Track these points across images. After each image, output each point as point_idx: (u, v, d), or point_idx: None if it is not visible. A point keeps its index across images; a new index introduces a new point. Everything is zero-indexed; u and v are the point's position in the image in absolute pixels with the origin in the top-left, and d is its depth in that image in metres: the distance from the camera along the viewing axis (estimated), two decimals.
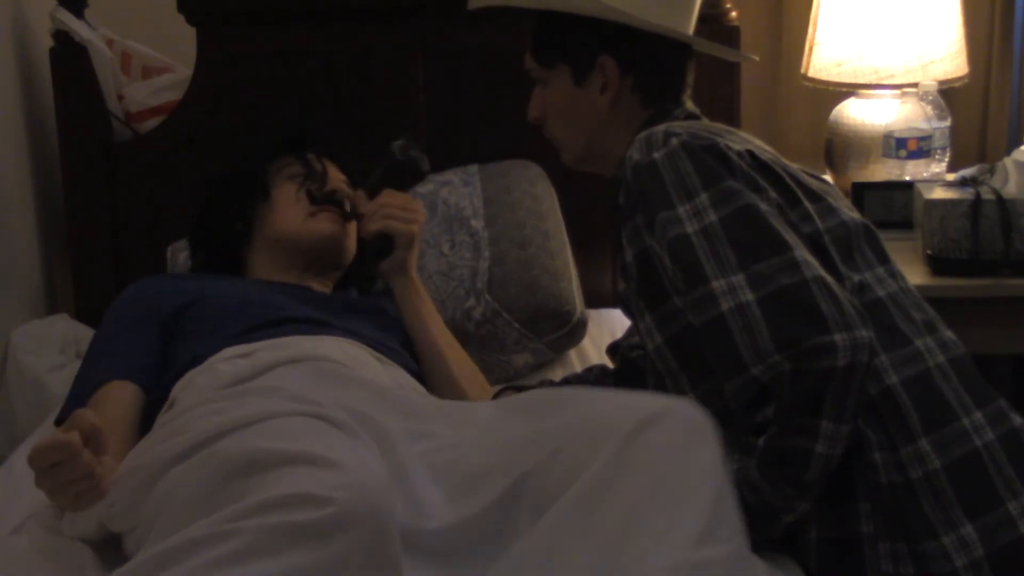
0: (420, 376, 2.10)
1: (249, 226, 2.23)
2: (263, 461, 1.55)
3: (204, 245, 2.30)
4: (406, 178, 2.15)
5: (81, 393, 1.99)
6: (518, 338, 2.40)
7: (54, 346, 2.48)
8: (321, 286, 2.23)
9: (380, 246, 2.11)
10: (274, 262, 2.21)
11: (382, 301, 2.22)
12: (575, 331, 2.48)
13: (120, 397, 1.97)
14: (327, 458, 1.52)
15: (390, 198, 2.11)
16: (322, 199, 2.20)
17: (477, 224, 2.47)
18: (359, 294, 2.29)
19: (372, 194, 2.13)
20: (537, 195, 2.56)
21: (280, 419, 1.65)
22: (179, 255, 2.51)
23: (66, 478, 1.65)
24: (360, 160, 2.30)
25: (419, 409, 1.80)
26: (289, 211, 2.20)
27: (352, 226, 2.22)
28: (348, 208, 2.19)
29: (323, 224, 2.19)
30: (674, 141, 1.74)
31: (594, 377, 2.12)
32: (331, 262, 2.23)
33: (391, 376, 1.99)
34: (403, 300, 2.14)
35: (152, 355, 2.03)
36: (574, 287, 2.50)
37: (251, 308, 2.03)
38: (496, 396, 2.09)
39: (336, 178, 2.25)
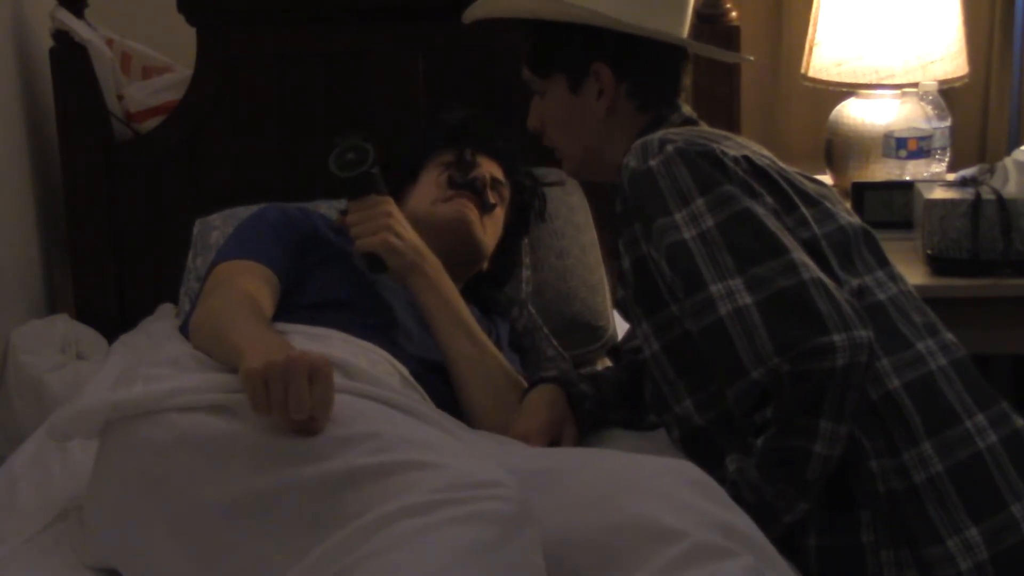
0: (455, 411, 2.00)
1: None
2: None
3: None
4: (361, 185, 1.96)
5: (226, 258, 1.96)
6: (553, 355, 2.31)
7: (54, 346, 2.48)
8: None
9: (372, 264, 1.98)
10: None
11: (499, 325, 2.18)
12: (605, 347, 2.45)
13: (262, 273, 1.93)
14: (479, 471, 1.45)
15: (352, 216, 1.97)
16: (461, 184, 2.17)
17: None
18: (481, 312, 2.19)
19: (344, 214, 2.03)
20: (573, 206, 2.53)
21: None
22: (210, 233, 2.48)
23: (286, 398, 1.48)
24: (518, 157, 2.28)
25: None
26: (427, 192, 2.19)
27: (488, 221, 2.18)
28: (492, 200, 2.17)
29: (453, 207, 2.15)
30: (669, 148, 1.74)
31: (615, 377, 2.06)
32: (460, 251, 2.15)
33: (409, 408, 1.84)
34: (419, 301, 2.01)
35: (291, 259, 2.00)
36: (608, 302, 2.48)
37: (348, 288, 2.02)
38: (531, 387, 1.97)
39: (488, 171, 2.22)
